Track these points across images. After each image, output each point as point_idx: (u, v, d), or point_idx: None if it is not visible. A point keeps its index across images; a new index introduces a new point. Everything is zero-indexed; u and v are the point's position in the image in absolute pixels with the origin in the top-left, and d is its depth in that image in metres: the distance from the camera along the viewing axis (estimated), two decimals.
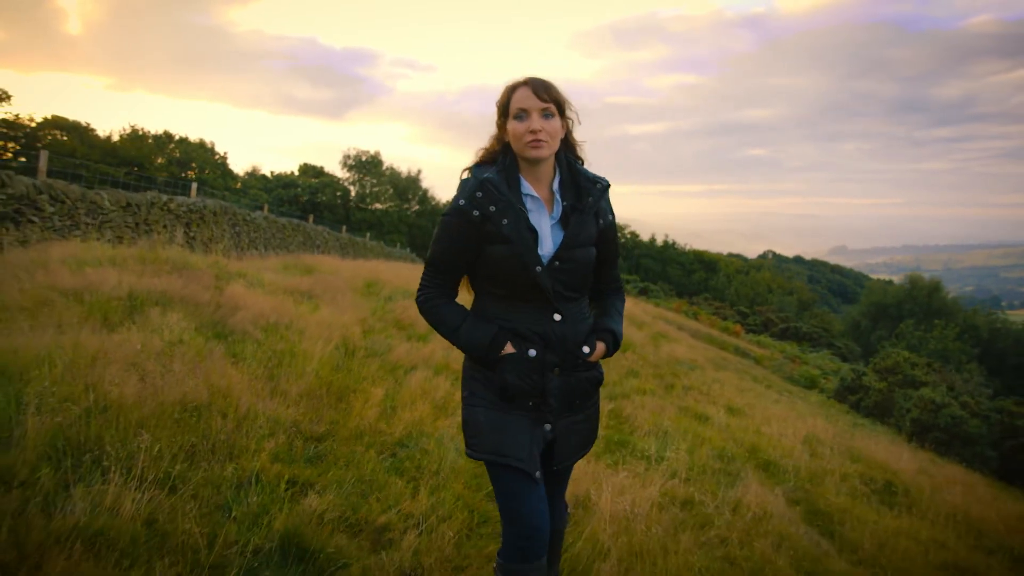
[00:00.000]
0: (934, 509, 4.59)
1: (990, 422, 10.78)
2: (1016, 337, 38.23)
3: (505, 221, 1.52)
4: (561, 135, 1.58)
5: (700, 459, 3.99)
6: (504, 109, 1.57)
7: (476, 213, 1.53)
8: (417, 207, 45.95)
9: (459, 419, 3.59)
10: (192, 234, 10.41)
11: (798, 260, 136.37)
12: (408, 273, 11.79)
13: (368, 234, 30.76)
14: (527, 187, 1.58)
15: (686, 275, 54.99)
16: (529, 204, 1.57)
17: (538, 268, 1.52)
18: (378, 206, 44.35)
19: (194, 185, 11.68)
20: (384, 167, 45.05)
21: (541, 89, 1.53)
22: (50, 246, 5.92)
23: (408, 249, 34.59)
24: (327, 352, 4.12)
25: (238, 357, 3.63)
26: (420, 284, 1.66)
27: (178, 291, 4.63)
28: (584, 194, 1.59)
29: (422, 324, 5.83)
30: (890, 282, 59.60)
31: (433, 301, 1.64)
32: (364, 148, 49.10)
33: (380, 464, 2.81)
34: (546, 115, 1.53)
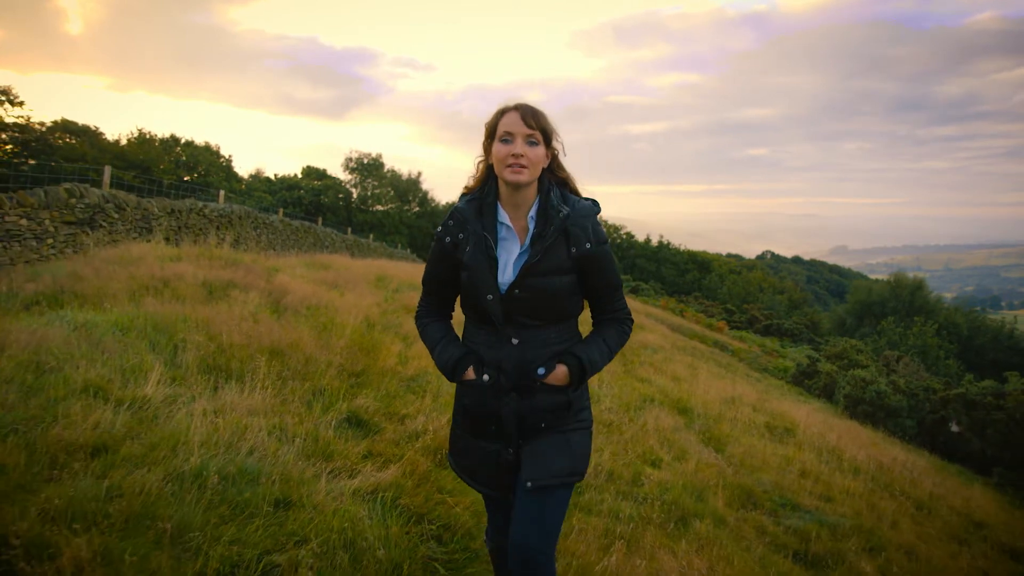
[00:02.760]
0: (813, 444, 6.08)
1: (917, 399, 12.34)
2: (994, 334, 39.73)
3: (468, 248, 1.59)
4: (544, 164, 1.61)
5: (628, 400, 5.47)
6: (492, 131, 1.62)
7: (448, 240, 1.63)
8: (417, 208, 47.31)
9: None
10: (222, 236, 11.90)
11: (796, 260, 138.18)
12: (411, 270, 13.28)
13: (371, 235, 32.25)
14: (503, 215, 1.62)
15: (680, 275, 56.54)
16: (503, 232, 1.62)
17: (489, 296, 1.57)
18: (379, 207, 45.64)
19: (221, 192, 13.18)
20: (385, 169, 46.42)
21: (529, 116, 1.57)
22: (130, 246, 7.40)
23: (408, 250, 36.03)
24: (356, 324, 5.60)
25: (296, 325, 5.12)
26: (419, 302, 1.82)
27: (241, 280, 6.11)
28: (549, 222, 1.59)
29: None
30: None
31: (423, 319, 1.77)
32: (366, 151, 50.46)
33: (400, 387, 4.30)
34: (531, 142, 1.56)
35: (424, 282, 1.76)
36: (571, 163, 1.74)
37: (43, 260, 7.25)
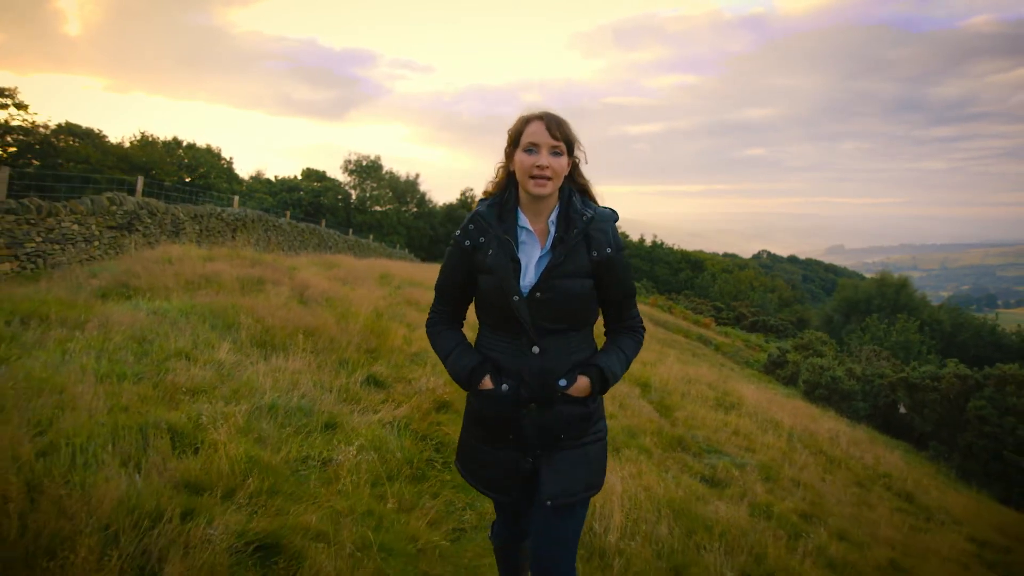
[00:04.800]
0: (753, 414, 7.18)
1: (872, 384, 13.51)
2: (976, 331, 40.96)
3: (491, 251, 1.60)
4: (565, 172, 1.63)
5: None
6: (515, 139, 1.63)
7: (467, 243, 1.63)
8: (415, 209, 48.30)
9: None
10: (242, 238, 12.98)
11: (792, 259, 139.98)
12: (411, 269, 14.37)
13: (371, 236, 33.33)
14: (523, 219, 1.65)
15: (673, 274, 57.82)
16: (523, 236, 1.64)
17: (516, 298, 1.56)
18: (378, 208, 46.59)
19: (236, 198, 14.26)
20: (384, 171, 47.39)
21: (554, 126, 1.59)
22: (167, 248, 8.48)
23: (407, 250, 37.07)
24: (367, 313, 6.68)
25: (319, 313, 6.21)
26: (430, 309, 1.80)
27: (269, 276, 7.20)
28: (572, 225, 1.62)
29: (426, 301, 8.40)
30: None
31: (435, 327, 1.76)
32: (365, 152, 51.27)
33: (406, 360, 5.40)
34: (555, 153, 1.59)
35: (439, 288, 1.76)
36: None
37: (92, 260, 8.32)
